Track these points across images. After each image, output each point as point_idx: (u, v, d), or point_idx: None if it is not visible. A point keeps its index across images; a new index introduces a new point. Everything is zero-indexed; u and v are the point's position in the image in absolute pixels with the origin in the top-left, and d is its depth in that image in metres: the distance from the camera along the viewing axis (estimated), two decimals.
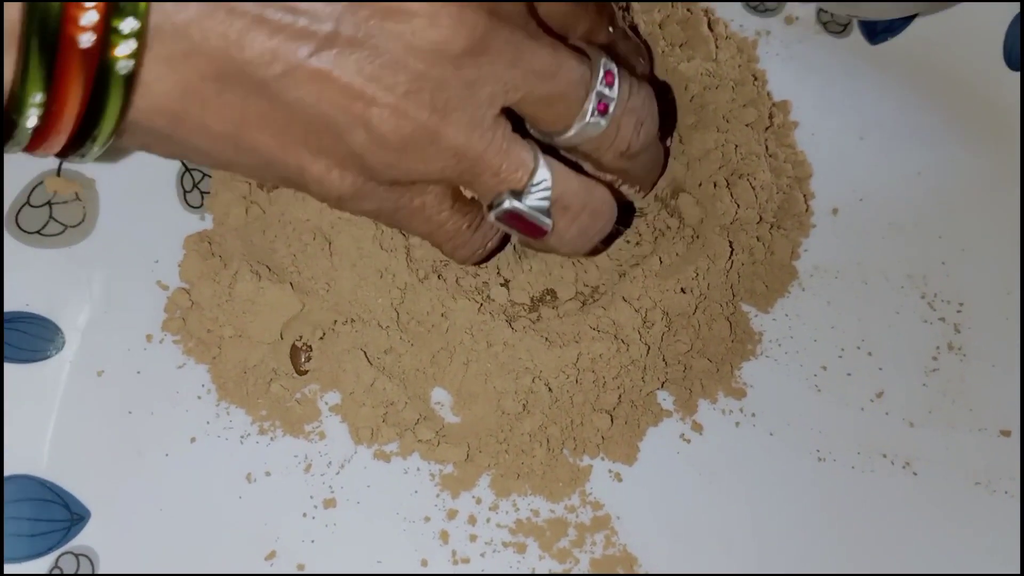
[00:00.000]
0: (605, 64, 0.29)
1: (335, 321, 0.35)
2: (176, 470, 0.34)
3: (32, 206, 0.36)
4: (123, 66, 0.22)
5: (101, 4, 0.21)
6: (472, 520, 0.34)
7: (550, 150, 0.30)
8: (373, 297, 0.35)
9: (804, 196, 0.40)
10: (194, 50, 0.23)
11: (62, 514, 0.33)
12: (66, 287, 0.36)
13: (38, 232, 0.36)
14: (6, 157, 0.35)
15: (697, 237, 0.37)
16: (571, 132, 0.29)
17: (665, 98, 0.38)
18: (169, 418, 0.35)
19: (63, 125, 0.23)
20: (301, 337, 0.35)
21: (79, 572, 0.32)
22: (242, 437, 0.35)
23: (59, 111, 0.22)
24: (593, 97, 0.29)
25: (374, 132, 0.25)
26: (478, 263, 0.34)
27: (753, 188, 0.37)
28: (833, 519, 0.35)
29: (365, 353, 0.35)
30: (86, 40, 0.22)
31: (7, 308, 0.35)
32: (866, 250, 0.40)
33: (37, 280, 0.36)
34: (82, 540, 0.33)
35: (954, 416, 0.37)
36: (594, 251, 0.36)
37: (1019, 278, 0.39)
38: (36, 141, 0.23)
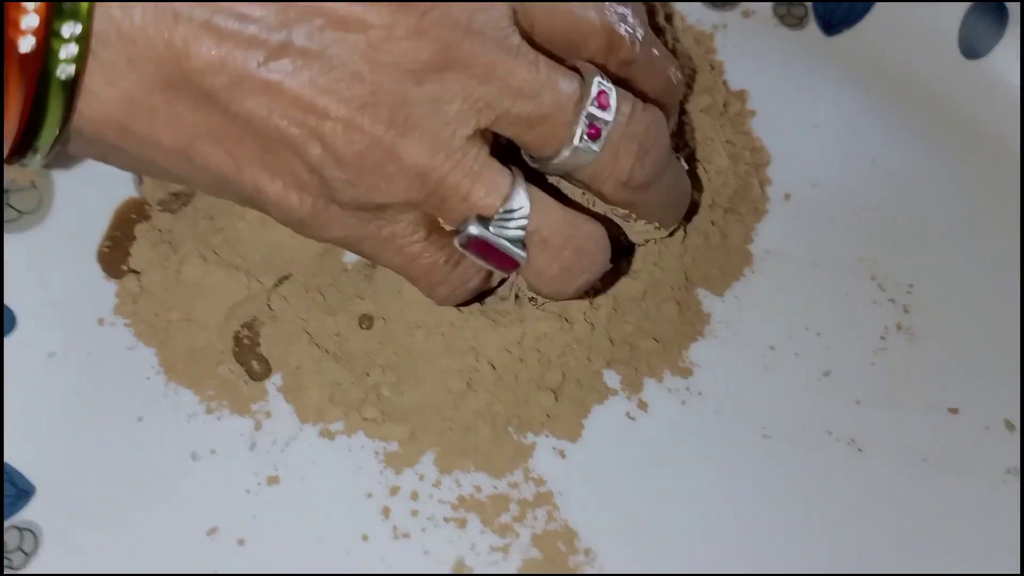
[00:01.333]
0: (599, 83, 0.27)
1: (281, 301, 0.35)
2: (123, 448, 0.34)
3: None
4: (63, 71, 0.22)
5: (42, 6, 0.21)
6: (414, 496, 0.34)
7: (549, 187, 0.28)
8: (324, 283, 0.36)
9: (760, 182, 0.40)
10: (140, 57, 0.22)
11: (8, 489, 0.33)
12: (21, 272, 0.37)
13: None
14: None
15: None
16: (559, 158, 0.27)
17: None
18: (117, 399, 0.35)
19: (5, 133, 0.22)
20: (246, 326, 0.35)
21: (22, 546, 0.33)
22: (189, 416, 0.35)
23: None
24: (583, 120, 0.26)
25: (328, 147, 0.24)
26: (460, 304, 0.33)
27: (707, 172, 0.38)
28: (776, 495, 0.35)
29: (311, 335, 0.35)
30: (26, 44, 0.21)
31: None
32: (818, 234, 0.40)
33: None
34: (26, 515, 0.33)
35: (901, 396, 0.37)
36: (586, 294, 0.34)
37: (968, 261, 0.39)
38: None
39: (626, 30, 0.28)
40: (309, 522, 0.34)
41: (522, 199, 0.26)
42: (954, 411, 0.36)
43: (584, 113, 0.26)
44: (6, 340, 0.36)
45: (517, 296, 0.35)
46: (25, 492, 0.33)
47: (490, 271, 0.30)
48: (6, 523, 0.33)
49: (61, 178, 0.38)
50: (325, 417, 0.35)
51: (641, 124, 0.28)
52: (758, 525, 0.34)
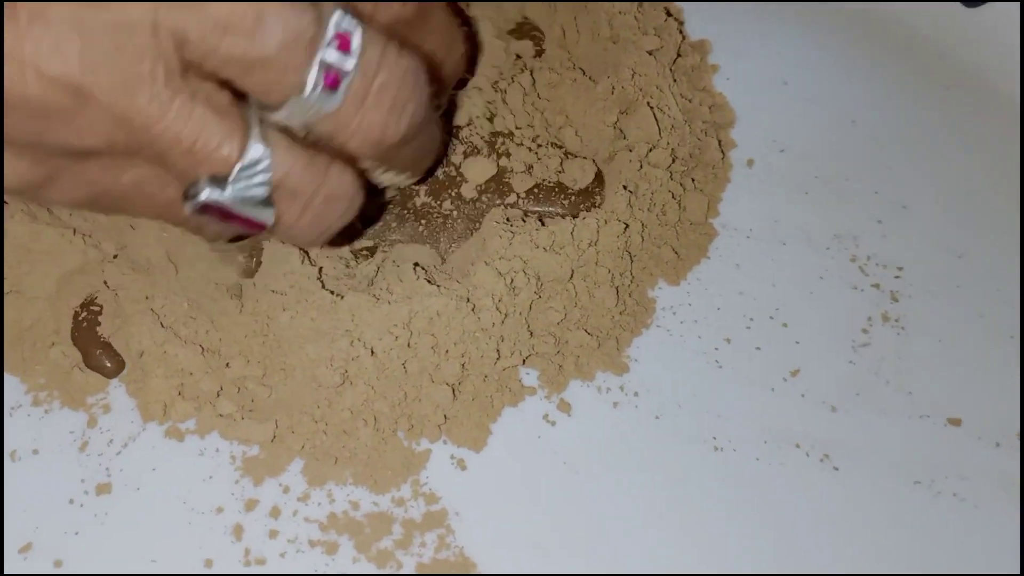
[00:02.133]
0: (339, 20, 0.22)
1: (124, 273, 0.29)
2: None
3: None
4: None
5: None
6: (275, 513, 0.28)
7: None
8: (170, 251, 0.30)
9: (721, 144, 0.34)
10: None
11: None
12: None
13: None
14: None
15: (588, 190, 0.32)
16: (284, 110, 0.23)
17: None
18: None
19: None
20: (85, 306, 0.29)
21: None
22: (12, 408, 0.29)
23: None
24: (315, 65, 0.22)
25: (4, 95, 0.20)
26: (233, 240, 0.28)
27: (657, 120, 0.32)
28: (730, 520, 0.28)
29: (158, 316, 0.29)
30: None
31: None
32: (786, 207, 0.34)
33: None
34: None
35: (888, 400, 0.30)
36: (332, 243, 0.30)
37: (967, 240, 0.32)
38: None
39: None
40: (142, 541, 0.27)
41: (258, 148, 0.23)
42: (955, 422, 0.30)
43: (318, 58, 0.22)
44: None
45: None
46: None
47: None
48: None
49: None
50: (173, 414, 0.29)
51: (394, 73, 0.23)
52: (705, 557, 0.27)
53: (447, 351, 0.28)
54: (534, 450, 0.29)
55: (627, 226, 0.31)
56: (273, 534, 0.27)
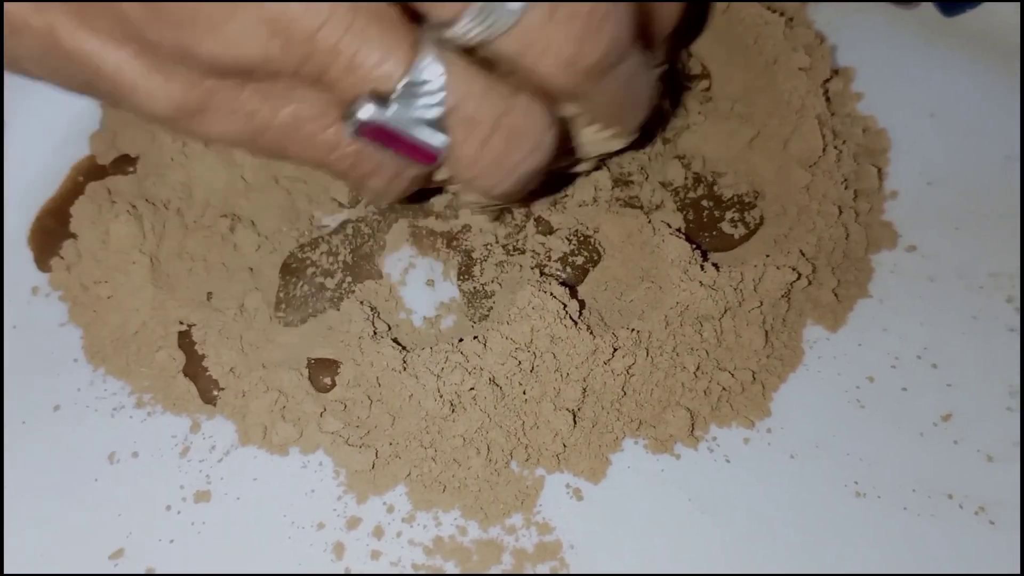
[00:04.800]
0: None
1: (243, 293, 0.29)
2: (29, 442, 0.28)
3: None
4: None
5: None
6: (378, 533, 0.26)
7: None
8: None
9: (879, 170, 0.32)
10: None
11: None
12: None
13: None
14: None
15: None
16: (460, 23, 0.20)
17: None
18: (33, 381, 0.29)
19: None
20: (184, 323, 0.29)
21: None
22: (114, 410, 0.28)
23: None
24: None
25: None
26: (407, 202, 0.26)
27: (823, 135, 0.30)
28: (872, 572, 0.25)
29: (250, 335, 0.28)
30: None
31: None
32: (936, 241, 0.31)
33: None
34: None
35: None
36: (522, 199, 0.26)
37: None
38: None
39: None
40: (238, 554, 0.26)
41: (432, 65, 0.20)
42: None
43: None
44: None
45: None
46: None
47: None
48: None
49: (15, 134, 0.33)
50: (273, 437, 0.27)
51: None
52: None
53: (568, 374, 0.27)
54: (655, 483, 0.27)
55: (800, 275, 0.28)
56: (375, 555, 0.26)
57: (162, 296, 0.29)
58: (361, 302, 0.29)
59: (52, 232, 0.31)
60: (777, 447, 0.27)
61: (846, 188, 0.30)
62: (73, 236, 0.30)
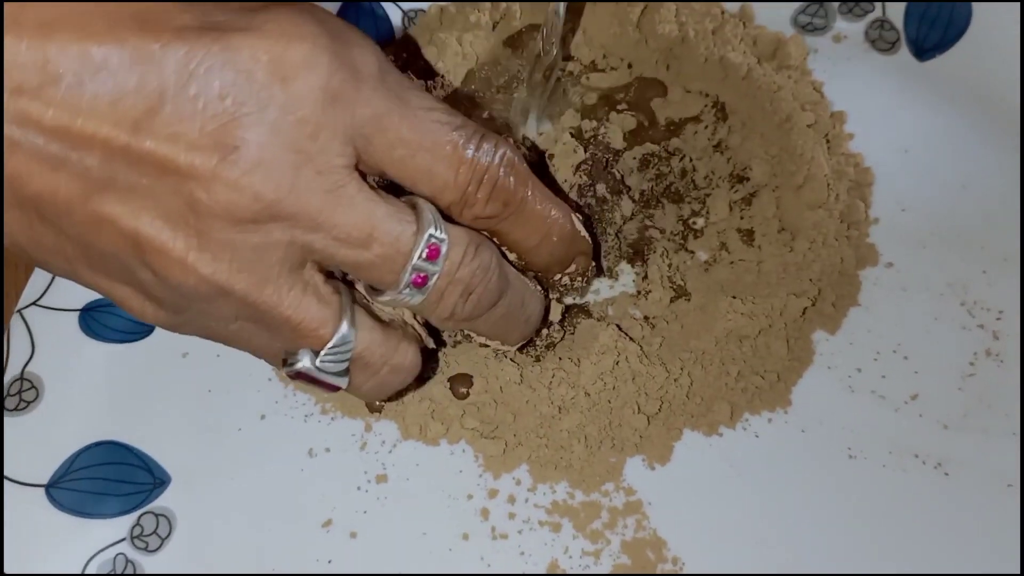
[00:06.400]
0: (430, 235, 0.27)
1: None
2: (247, 443, 0.38)
3: None
4: None
5: None
6: (511, 500, 0.36)
7: None
8: None
9: (864, 202, 0.41)
10: None
11: (146, 478, 0.37)
12: None
13: None
14: None
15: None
16: (386, 297, 0.29)
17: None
18: (243, 397, 0.39)
19: None
20: None
21: (158, 531, 0.36)
22: (306, 416, 0.38)
23: None
24: (409, 270, 0.27)
25: (160, 276, 0.25)
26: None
27: (829, 187, 0.39)
28: (861, 515, 0.36)
29: None
30: None
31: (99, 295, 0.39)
32: (907, 258, 0.41)
33: None
34: (162, 502, 0.37)
35: (989, 421, 0.37)
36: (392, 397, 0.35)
37: None
38: None
39: (486, 183, 0.28)
40: (414, 519, 0.36)
41: (346, 330, 0.28)
42: None
43: (411, 265, 0.27)
44: (145, 342, 0.39)
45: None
46: (161, 481, 0.37)
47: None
48: (143, 509, 0.36)
49: None
50: (427, 433, 0.37)
51: (469, 268, 0.29)
52: (840, 540, 0.35)
53: (647, 393, 0.37)
54: (707, 455, 0.37)
55: (811, 301, 0.38)
56: (511, 516, 0.36)
57: None
58: None
59: None
60: (792, 424, 0.38)
61: (841, 222, 0.40)
62: None
